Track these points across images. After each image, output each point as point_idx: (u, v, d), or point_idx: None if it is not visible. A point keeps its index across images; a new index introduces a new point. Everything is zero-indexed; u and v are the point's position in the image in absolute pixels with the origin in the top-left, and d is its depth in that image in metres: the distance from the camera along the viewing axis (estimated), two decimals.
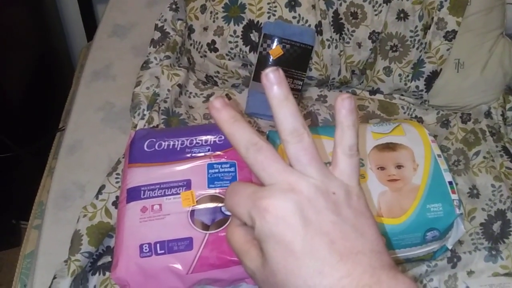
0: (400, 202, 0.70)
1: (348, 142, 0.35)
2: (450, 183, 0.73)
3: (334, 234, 0.31)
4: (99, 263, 0.77)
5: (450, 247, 0.75)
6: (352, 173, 0.35)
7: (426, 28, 0.96)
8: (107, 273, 0.75)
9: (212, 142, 0.72)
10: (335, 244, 0.31)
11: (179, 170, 0.69)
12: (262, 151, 0.34)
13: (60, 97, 1.22)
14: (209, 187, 0.68)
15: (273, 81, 0.34)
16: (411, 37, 0.97)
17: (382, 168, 0.74)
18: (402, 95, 1.02)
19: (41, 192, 1.02)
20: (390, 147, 0.77)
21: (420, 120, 0.99)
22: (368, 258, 0.31)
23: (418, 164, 0.74)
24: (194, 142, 0.72)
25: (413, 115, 1.00)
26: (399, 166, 0.74)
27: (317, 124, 0.96)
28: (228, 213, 0.66)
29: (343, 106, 0.35)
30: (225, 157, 0.71)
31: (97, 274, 0.75)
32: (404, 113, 1.00)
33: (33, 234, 0.96)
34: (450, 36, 0.96)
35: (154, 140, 0.73)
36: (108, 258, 0.77)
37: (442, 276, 0.73)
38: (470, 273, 0.75)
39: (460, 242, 0.79)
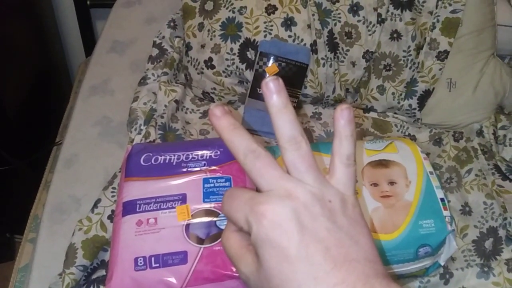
0: (392, 218, 0.71)
1: (346, 152, 0.36)
2: (442, 199, 0.74)
3: (329, 241, 0.32)
4: (94, 276, 0.77)
5: (442, 263, 0.75)
6: (348, 183, 0.36)
7: (418, 48, 0.99)
8: (101, 287, 0.76)
9: (208, 157, 0.73)
10: (330, 251, 0.31)
11: (175, 184, 0.70)
12: (260, 158, 0.35)
13: (58, 111, 1.23)
14: (204, 201, 0.68)
15: (273, 89, 0.34)
16: (404, 56, 0.99)
17: (375, 185, 0.75)
18: (395, 113, 1.04)
19: (36, 205, 1.02)
20: (383, 163, 0.78)
21: (413, 138, 1.00)
22: (362, 266, 0.32)
23: (411, 181, 0.76)
24: (190, 156, 0.73)
25: (406, 133, 1.01)
26: (392, 183, 0.75)
27: (312, 141, 0.97)
28: (222, 227, 0.66)
29: (342, 116, 0.36)
30: (221, 171, 0.72)
31: (91, 287, 0.76)
32: (398, 131, 1.02)
33: (27, 248, 0.96)
34: (443, 56, 0.98)
35: (151, 154, 0.74)
36: (103, 272, 0.77)
37: None
38: None
39: (452, 258, 0.80)
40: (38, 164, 1.15)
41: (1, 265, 1.30)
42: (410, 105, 1.00)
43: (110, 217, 0.80)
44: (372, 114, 1.04)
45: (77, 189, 0.89)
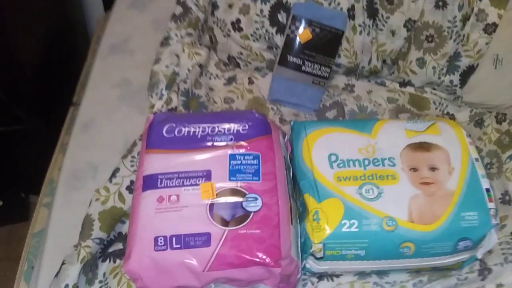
0: (432, 208, 0.66)
1: None
2: (488, 190, 0.68)
3: None
4: (110, 250, 0.74)
5: (479, 257, 0.70)
6: None
7: (465, 19, 0.90)
8: (118, 261, 0.72)
9: (235, 131, 0.68)
10: None
11: (199, 159, 0.65)
12: None
13: (75, 68, 1.17)
14: (230, 180, 0.64)
15: None
16: (448, 27, 0.91)
17: (414, 170, 0.69)
18: (434, 89, 0.97)
19: (52, 168, 0.98)
20: (424, 147, 0.72)
21: (452, 117, 0.94)
22: None
23: (454, 168, 0.70)
24: (216, 130, 0.68)
25: (445, 112, 0.95)
26: (433, 169, 0.69)
27: (344, 116, 0.91)
28: (249, 209, 0.62)
29: None
30: (249, 147, 0.66)
31: (107, 261, 0.72)
32: (436, 108, 0.95)
33: (42, 212, 0.93)
34: (490, 29, 0.90)
35: (174, 125, 0.68)
36: (120, 246, 0.74)
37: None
38: (499, 286, 0.70)
39: (489, 251, 0.74)
40: (54, 123, 1.11)
41: (16, 226, 1.28)
42: (451, 81, 0.93)
43: (129, 188, 0.76)
44: (409, 89, 0.97)
45: (94, 155, 0.85)
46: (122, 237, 0.75)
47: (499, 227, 0.77)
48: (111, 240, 0.74)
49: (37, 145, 1.19)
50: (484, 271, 0.71)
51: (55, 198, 0.81)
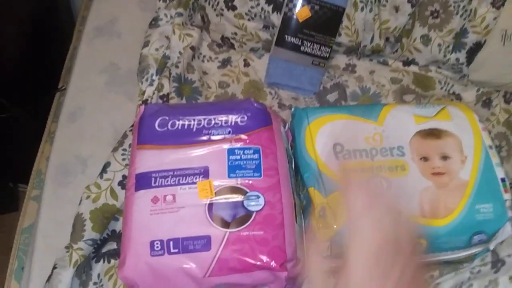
0: (445, 200, 0.62)
1: None
2: (503, 180, 0.64)
3: None
4: (104, 249, 0.70)
5: (491, 248, 0.67)
6: None
7: None
8: (112, 261, 0.69)
9: (233, 123, 0.63)
10: None
11: (196, 155, 0.61)
12: None
13: (60, 52, 1.11)
14: (229, 177, 0.59)
15: None
16: (455, 2, 0.86)
17: (425, 159, 0.65)
18: (439, 67, 0.92)
19: (39, 159, 0.94)
20: (434, 134, 0.68)
21: (458, 97, 0.89)
22: None
23: (467, 156, 0.66)
24: (213, 122, 0.63)
25: (451, 91, 0.90)
26: (444, 157, 0.65)
27: (345, 99, 0.86)
28: (251, 208, 0.58)
29: None
30: (248, 141, 0.62)
31: (101, 261, 0.69)
32: (441, 88, 0.90)
33: (31, 206, 0.89)
34: (498, 3, 0.85)
35: (167, 118, 0.63)
36: (114, 245, 0.70)
37: (482, 281, 0.66)
38: None
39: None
40: (40, 110, 1.05)
41: (4, 216, 1.23)
42: (457, 59, 0.88)
43: (121, 184, 0.71)
44: (413, 68, 0.92)
45: (83, 148, 0.80)
46: (116, 235, 0.71)
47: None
48: (105, 239, 0.71)
49: (24, 133, 1.14)
50: (497, 263, 0.68)
51: (44, 195, 0.77)
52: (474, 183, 0.64)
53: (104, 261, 0.68)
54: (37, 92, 1.09)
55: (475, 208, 0.62)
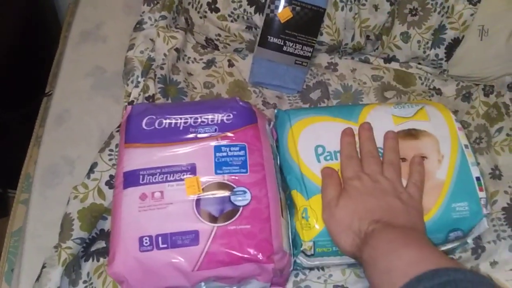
0: (424, 201, 0.63)
1: None
2: (478, 179, 0.66)
3: None
4: (93, 248, 0.70)
5: (469, 242, 0.69)
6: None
7: None
8: (101, 259, 0.69)
9: (219, 121, 0.64)
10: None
11: (183, 152, 0.62)
12: None
13: (47, 57, 1.11)
14: (216, 173, 0.60)
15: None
16: (432, 0, 0.88)
17: (403, 160, 0.66)
18: (419, 63, 0.94)
19: (27, 163, 0.94)
20: (412, 134, 0.69)
21: (438, 92, 0.92)
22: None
23: (444, 156, 0.67)
24: (199, 120, 0.64)
25: (431, 86, 0.92)
26: (422, 158, 0.66)
27: (328, 97, 0.88)
28: (237, 203, 0.59)
29: None
30: (234, 138, 0.63)
31: (91, 260, 0.69)
32: (422, 84, 0.92)
33: (20, 209, 0.89)
34: (475, 0, 0.87)
35: (154, 117, 0.65)
36: (102, 243, 0.71)
37: None
38: (493, 263, 0.70)
39: None
40: (27, 115, 1.05)
41: None
42: (436, 55, 0.90)
43: (109, 183, 0.72)
44: (394, 65, 0.94)
45: (70, 149, 0.81)
46: (104, 234, 0.72)
47: (491, 202, 0.76)
48: (93, 238, 0.71)
49: (12, 138, 1.14)
50: (478, 249, 0.71)
51: (32, 196, 0.78)
52: (450, 182, 0.65)
53: (93, 260, 0.69)
54: (24, 97, 1.09)
55: (451, 206, 0.63)
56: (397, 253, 0.52)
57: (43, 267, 0.66)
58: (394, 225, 0.58)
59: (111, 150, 0.75)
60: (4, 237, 0.88)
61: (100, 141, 0.79)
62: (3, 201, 1.24)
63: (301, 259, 0.65)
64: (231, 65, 0.92)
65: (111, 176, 0.73)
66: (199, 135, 0.63)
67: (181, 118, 0.64)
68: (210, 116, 0.64)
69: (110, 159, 0.74)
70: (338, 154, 0.67)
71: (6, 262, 0.84)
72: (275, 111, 0.75)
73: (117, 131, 0.77)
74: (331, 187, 0.63)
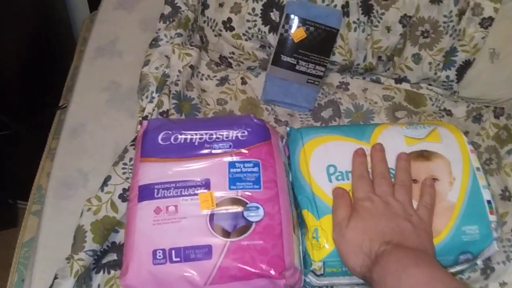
0: (433, 222, 0.64)
1: None
2: (489, 202, 0.66)
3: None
4: (104, 260, 0.71)
5: (479, 263, 0.69)
6: None
7: (461, 13, 0.89)
8: (112, 272, 0.70)
9: (234, 138, 0.65)
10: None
11: (197, 168, 0.63)
12: None
13: (60, 71, 1.13)
14: (230, 189, 0.61)
15: None
16: (444, 22, 0.89)
17: (414, 181, 0.67)
18: (430, 84, 0.95)
19: (40, 174, 0.95)
20: (424, 155, 0.69)
21: (449, 113, 0.92)
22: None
23: (455, 178, 0.67)
24: (214, 137, 0.65)
25: (442, 107, 0.93)
26: (433, 180, 0.67)
27: (339, 115, 0.89)
28: (250, 219, 0.60)
29: None
30: (248, 155, 0.64)
31: (101, 272, 0.70)
32: (432, 104, 0.93)
33: (31, 221, 0.90)
34: (486, 23, 0.89)
35: (170, 132, 0.66)
36: (114, 256, 0.71)
37: None
38: (502, 284, 0.69)
39: None
40: (40, 127, 1.07)
41: (3, 232, 1.24)
42: (447, 77, 0.91)
43: (122, 197, 0.73)
44: (405, 86, 0.95)
45: (84, 162, 0.82)
46: (116, 247, 0.72)
47: (501, 224, 0.76)
48: (105, 250, 0.72)
49: (23, 150, 1.16)
50: (487, 270, 0.70)
51: (45, 208, 0.78)
52: (461, 205, 0.65)
53: (104, 272, 0.69)
54: (36, 110, 1.11)
55: (461, 229, 0.64)
56: (407, 273, 0.53)
57: (55, 278, 0.66)
58: (404, 246, 0.58)
59: (124, 164, 0.76)
60: (13, 247, 0.89)
61: (114, 154, 0.80)
62: (13, 212, 1.25)
63: (311, 278, 0.65)
64: (244, 82, 0.93)
65: (124, 190, 0.73)
66: (213, 151, 0.64)
67: (196, 134, 0.65)
68: (225, 133, 0.65)
69: (124, 173, 0.75)
70: (350, 174, 0.68)
71: (16, 272, 0.85)
72: (288, 128, 0.76)
73: (131, 145, 0.78)
74: (342, 208, 0.63)
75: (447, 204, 0.65)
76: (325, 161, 0.69)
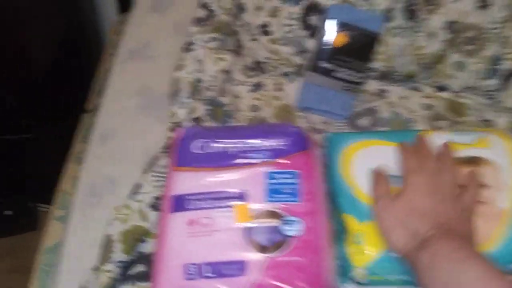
0: (483, 229, 0.60)
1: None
2: None
3: None
4: (130, 272, 0.68)
5: None
6: None
7: (507, 20, 0.84)
8: (138, 283, 0.67)
9: (271, 147, 0.62)
10: None
11: (233, 178, 0.60)
12: None
13: (87, 74, 1.12)
14: (267, 201, 0.58)
15: None
16: (490, 29, 0.85)
17: (462, 187, 0.63)
18: (472, 93, 0.90)
19: (64, 179, 0.93)
20: (472, 161, 0.66)
21: (491, 124, 0.87)
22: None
23: (505, 184, 0.64)
24: (251, 145, 0.62)
25: (484, 118, 0.88)
26: (483, 186, 0.63)
27: (376, 124, 0.85)
28: (289, 233, 0.56)
29: None
30: (287, 165, 0.61)
31: (128, 284, 0.67)
32: (473, 114, 0.88)
33: (54, 226, 0.88)
34: None
35: (204, 140, 0.63)
36: (141, 267, 0.68)
37: None
38: None
39: None
40: (64, 131, 1.05)
41: (23, 236, 1.22)
42: (490, 86, 0.87)
43: (152, 205, 0.70)
44: (445, 94, 0.91)
45: (112, 168, 0.80)
46: (143, 258, 0.69)
47: None
48: (132, 261, 0.69)
49: (45, 154, 1.14)
50: None
51: (71, 214, 0.76)
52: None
53: (131, 284, 0.67)
54: (62, 112, 1.09)
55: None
56: (464, 265, 0.50)
57: None
58: (454, 233, 0.55)
59: (155, 172, 0.73)
60: (31, 252, 0.87)
61: (143, 161, 0.77)
62: (33, 215, 1.23)
63: None
64: (278, 88, 0.90)
65: (155, 198, 0.71)
66: (250, 161, 0.61)
67: (231, 143, 0.63)
68: (261, 141, 0.62)
69: (154, 181, 0.72)
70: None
71: (38, 279, 0.83)
72: (327, 133, 0.72)
73: (162, 152, 0.75)
74: (381, 183, 0.62)
75: (497, 210, 0.62)
76: (367, 164, 0.66)
